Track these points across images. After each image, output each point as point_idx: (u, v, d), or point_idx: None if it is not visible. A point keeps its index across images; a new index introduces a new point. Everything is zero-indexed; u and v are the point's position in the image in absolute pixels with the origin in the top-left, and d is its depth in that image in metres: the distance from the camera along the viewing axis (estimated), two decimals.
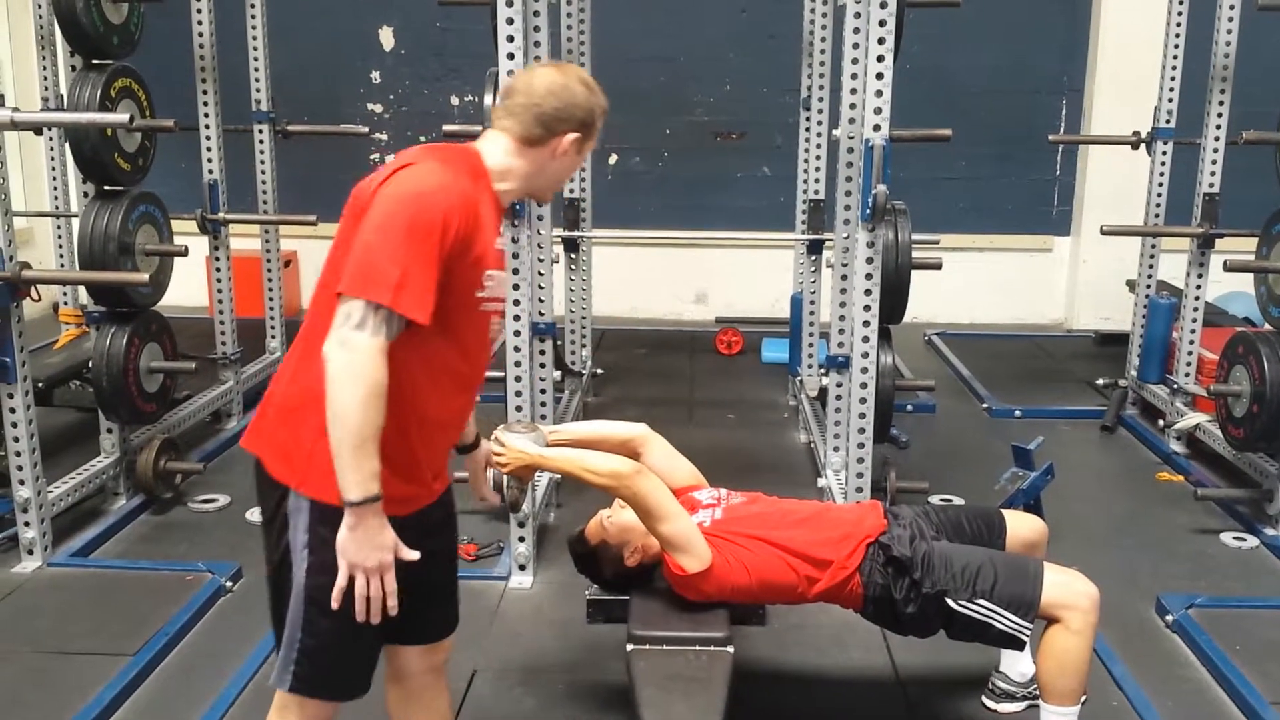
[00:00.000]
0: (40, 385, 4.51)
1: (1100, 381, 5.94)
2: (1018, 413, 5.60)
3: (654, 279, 7.42)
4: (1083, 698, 2.69)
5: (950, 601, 2.64)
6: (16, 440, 3.71)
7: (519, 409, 3.71)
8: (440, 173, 1.94)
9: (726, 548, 2.69)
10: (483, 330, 2.12)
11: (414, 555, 1.96)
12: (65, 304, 6.35)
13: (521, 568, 3.77)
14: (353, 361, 1.83)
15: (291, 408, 1.99)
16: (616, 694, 2.98)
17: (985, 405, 5.74)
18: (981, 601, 2.62)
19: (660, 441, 3.00)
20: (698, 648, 2.59)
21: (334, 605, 1.93)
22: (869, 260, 3.66)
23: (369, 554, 1.90)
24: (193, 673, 3.19)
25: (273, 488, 2.01)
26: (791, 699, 3.12)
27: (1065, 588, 2.63)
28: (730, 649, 2.60)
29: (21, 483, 3.74)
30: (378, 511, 1.89)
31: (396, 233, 1.86)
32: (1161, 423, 5.22)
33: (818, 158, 5.27)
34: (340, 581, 1.92)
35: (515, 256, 3.62)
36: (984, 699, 3.02)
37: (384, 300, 1.83)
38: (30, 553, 3.80)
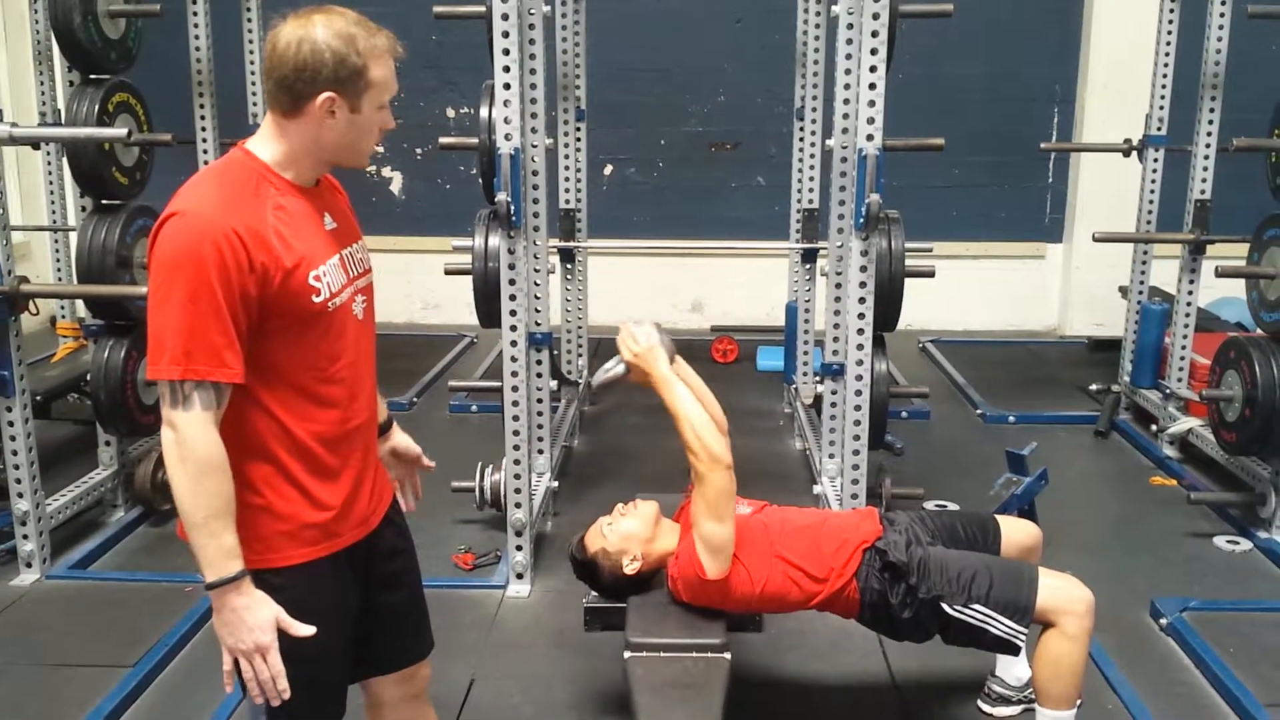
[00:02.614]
0: (38, 398, 4.52)
1: (1093, 387, 5.96)
2: (1012, 419, 5.63)
3: (649, 288, 7.43)
4: (1078, 702, 2.71)
5: (946, 606, 2.66)
6: (15, 454, 3.73)
7: (516, 418, 3.73)
8: (202, 216, 1.75)
9: (738, 558, 2.70)
10: (345, 322, 1.94)
11: (307, 631, 1.84)
12: (63, 317, 6.37)
13: (519, 576, 3.79)
14: (176, 442, 1.75)
15: None
16: (614, 701, 3.00)
17: (979, 411, 5.76)
18: (977, 606, 2.64)
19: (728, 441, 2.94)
20: (695, 654, 2.61)
21: (227, 689, 1.87)
22: (863, 269, 3.68)
23: (242, 636, 1.80)
24: (191, 684, 3.20)
25: None
26: (788, 705, 3.13)
27: (1060, 592, 2.65)
28: (727, 655, 2.61)
29: (20, 496, 3.76)
30: (242, 590, 1.79)
31: (170, 301, 1.73)
32: (1155, 428, 5.24)
33: (811, 167, 5.30)
34: (225, 665, 1.85)
35: (511, 268, 3.65)
36: (979, 703, 3.04)
37: (175, 375, 1.73)
38: (29, 565, 3.81)
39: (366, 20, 1.87)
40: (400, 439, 2.32)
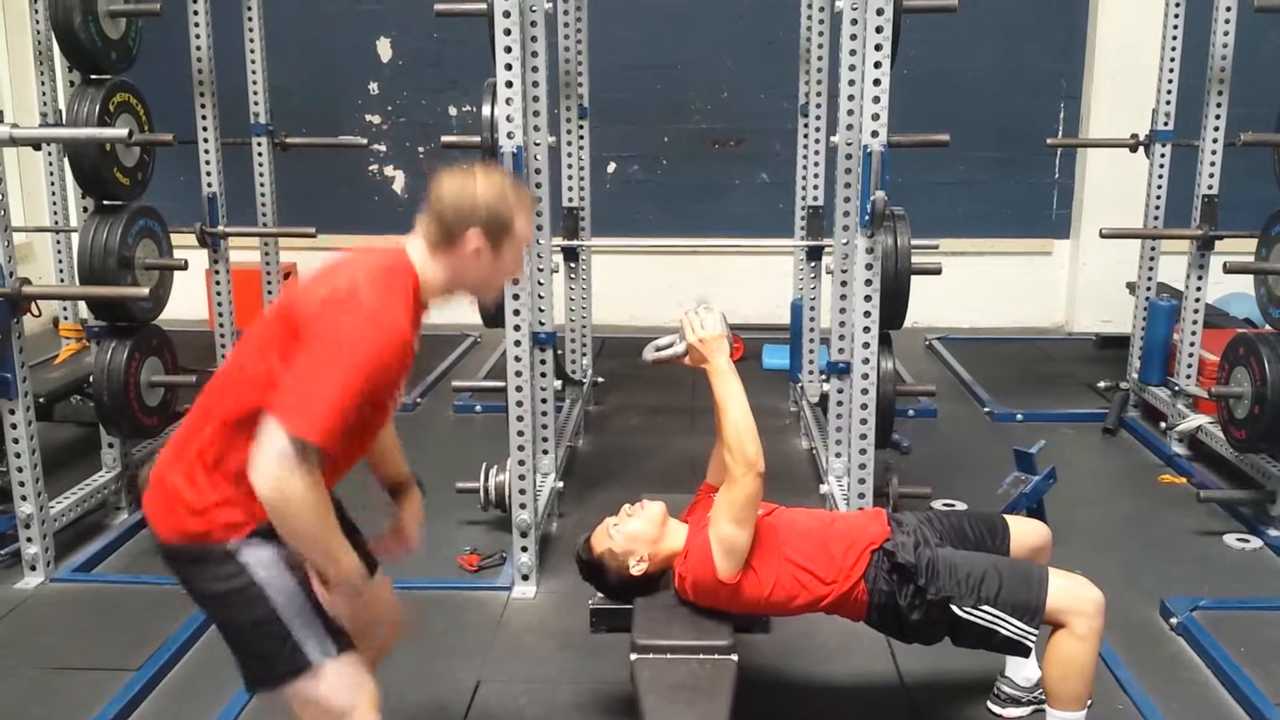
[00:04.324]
0: (41, 400, 4.50)
1: (1102, 384, 5.94)
2: (1019, 416, 5.60)
3: (653, 287, 7.42)
4: (1088, 702, 2.69)
5: (955, 608, 2.63)
6: (18, 456, 3.71)
7: (520, 419, 3.71)
8: (396, 327, 1.98)
9: (749, 560, 2.68)
10: (386, 407, 2.20)
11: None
12: (65, 319, 6.35)
13: (524, 578, 3.77)
14: (285, 491, 1.92)
15: (189, 488, 2.09)
16: (621, 704, 2.98)
17: (987, 409, 5.73)
18: (986, 608, 2.62)
19: None
20: (702, 656, 2.59)
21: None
22: (868, 266, 3.66)
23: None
24: (196, 687, 3.18)
25: (203, 556, 2.11)
26: (796, 707, 3.11)
27: (1070, 593, 2.63)
28: (734, 657, 2.59)
29: (24, 498, 3.74)
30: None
31: (342, 370, 1.92)
32: (1163, 425, 5.21)
33: (816, 164, 5.27)
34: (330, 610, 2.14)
35: None
36: (989, 704, 3.01)
37: (313, 439, 1.90)
38: (33, 568, 3.80)
39: (518, 179, 2.18)
40: (406, 511, 2.50)
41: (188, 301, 5.99)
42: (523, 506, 3.73)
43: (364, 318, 1.95)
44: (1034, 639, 2.62)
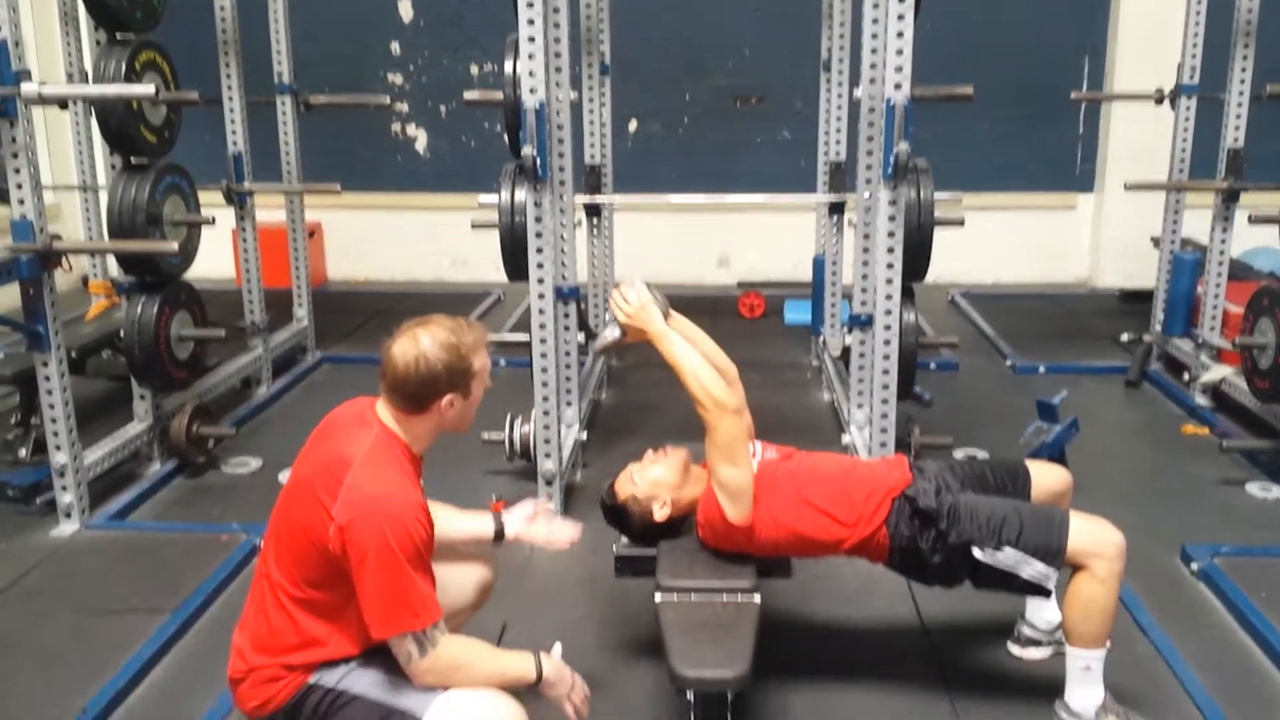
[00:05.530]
0: (73, 355, 4.57)
1: (1125, 338, 5.92)
2: (1042, 369, 5.60)
3: (676, 244, 7.43)
4: (1107, 644, 2.71)
5: (976, 551, 2.66)
6: (51, 408, 3.78)
7: (544, 370, 3.75)
8: (400, 490, 2.12)
9: (762, 502, 2.72)
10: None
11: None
12: (95, 276, 6.42)
13: None
14: (456, 673, 2.14)
15: (274, 667, 2.25)
16: (645, 645, 3.03)
17: (1009, 362, 5.74)
18: (1007, 550, 2.64)
19: (740, 388, 2.91)
20: (725, 597, 2.63)
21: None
22: (891, 218, 3.67)
23: (563, 688, 2.30)
24: (228, 628, 3.21)
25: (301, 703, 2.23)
26: (818, 648, 3.15)
27: (1091, 535, 2.64)
28: (757, 597, 2.63)
29: (58, 448, 3.81)
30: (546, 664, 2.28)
31: (404, 565, 2.08)
32: (1186, 377, 5.21)
33: (838, 119, 5.26)
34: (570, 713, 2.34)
35: (538, 220, 3.65)
36: (1009, 646, 3.05)
37: (428, 622, 2.10)
38: (68, 516, 3.88)
39: (458, 321, 2.26)
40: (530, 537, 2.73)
41: (214, 259, 6.04)
42: (547, 456, 3.78)
43: (390, 520, 2.08)
44: (1054, 580, 2.65)
